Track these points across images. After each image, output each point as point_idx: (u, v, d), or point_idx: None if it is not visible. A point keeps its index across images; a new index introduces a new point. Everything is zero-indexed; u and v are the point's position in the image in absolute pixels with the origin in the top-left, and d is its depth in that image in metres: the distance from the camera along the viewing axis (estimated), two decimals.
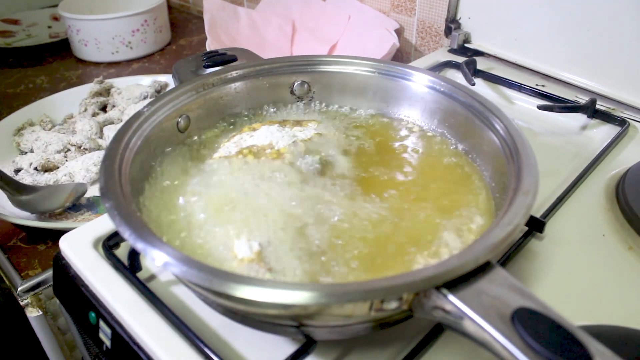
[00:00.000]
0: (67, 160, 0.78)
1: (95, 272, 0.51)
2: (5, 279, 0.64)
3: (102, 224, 0.56)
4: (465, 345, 0.44)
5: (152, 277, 0.52)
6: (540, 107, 0.74)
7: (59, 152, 0.79)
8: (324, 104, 0.62)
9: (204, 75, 0.57)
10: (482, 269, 0.35)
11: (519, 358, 0.30)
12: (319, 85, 0.61)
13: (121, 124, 0.80)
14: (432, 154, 0.55)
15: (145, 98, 0.93)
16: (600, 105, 0.76)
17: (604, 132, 0.73)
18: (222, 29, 1.06)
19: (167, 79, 1.01)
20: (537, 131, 0.74)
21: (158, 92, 0.97)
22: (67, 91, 0.96)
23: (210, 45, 1.00)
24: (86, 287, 0.51)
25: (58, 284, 0.56)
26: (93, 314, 0.50)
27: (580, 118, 0.75)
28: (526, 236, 0.54)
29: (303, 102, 0.61)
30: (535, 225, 0.54)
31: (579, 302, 0.48)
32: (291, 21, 1.12)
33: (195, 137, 0.56)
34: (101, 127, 0.85)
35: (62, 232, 0.56)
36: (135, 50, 1.20)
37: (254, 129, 0.55)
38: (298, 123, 0.56)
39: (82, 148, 0.78)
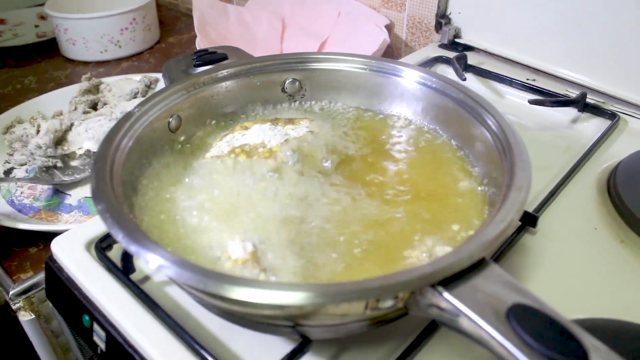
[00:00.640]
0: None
1: (88, 275, 0.50)
2: None
3: (94, 225, 0.55)
4: (459, 342, 0.44)
5: (146, 278, 0.51)
6: (531, 102, 0.74)
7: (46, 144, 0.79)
8: (315, 102, 0.61)
9: (195, 75, 0.57)
10: (477, 266, 0.35)
11: (515, 354, 0.30)
12: (311, 82, 0.61)
13: (102, 118, 0.80)
14: (424, 150, 0.55)
15: (136, 94, 0.92)
16: (591, 99, 0.76)
17: (594, 126, 0.73)
18: (211, 26, 1.05)
19: (157, 76, 1.01)
20: (528, 125, 0.75)
21: (148, 87, 0.96)
22: (56, 91, 0.95)
23: (200, 43, 1.00)
24: (79, 289, 0.51)
25: (50, 287, 0.55)
26: (87, 317, 0.50)
27: (570, 112, 0.76)
28: (519, 231, 0.54)
29: (295, 100, 0.61)
30: (528, 220, 0.54)
31: (572, 296, 0.48)
32: (281, 18, 1.11)
33: (187, 137, 0.56)
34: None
35: (53, 234, 0.55)
36: (124, 49, 1.19)
37: (246, 128, 0.54)
38: (290, 121, 0.56)
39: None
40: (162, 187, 0.49)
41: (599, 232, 0.55)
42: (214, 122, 0.58)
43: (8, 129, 0.85)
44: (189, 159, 0.53)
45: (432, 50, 0.93)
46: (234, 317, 0.40)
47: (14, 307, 0.61)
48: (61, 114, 0.90)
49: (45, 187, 0.75)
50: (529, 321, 0.32)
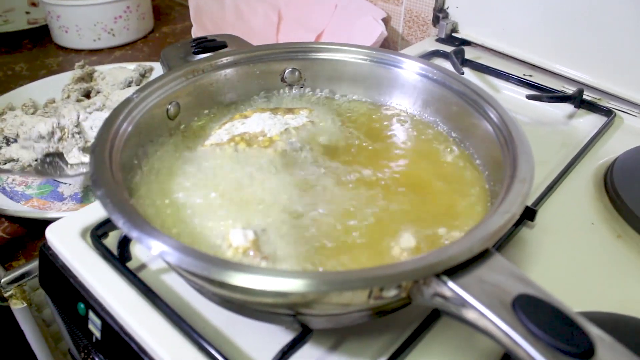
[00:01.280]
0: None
1: (83, 262, 0.50)
2: None
3: (90, 212, 0.55)
4: (459, 333, 0.44)
5: (143, 266, 0.51)
6: (529, 97, 0.74)
7: (49, 133, 0.78)
8: (315, 92, 0.61)
9: (194, 62, 0.56)
10: (482, 257, 0.35)
11: (521, 344, 0.30)
12: (311, 72, 0.60)
13: (106, 110, 0.79)
14: (424, 142, 0.54)
15: (130, 83, 0.91)
16: (587, 95, 0.77)
17: (590, 122, 0.73)
18: (207, 16, 1.05)
19: (152, 65, 0.99)
20: (524, 121, 0.75)
21: (143, 76, 0.95)
22: (48, 78, 0.93)
23: (195, 33, 0.99)
24: (74, 277, 0.50)
25: (44, 275, 0.55)
26: (82, 305, 0.49)
27: (567, 108, 0.76)
28: (517, 224, 0.54)
29: (294, 89, 0.61)
30: (527, 214, 0.54)
31: (569, 289, 0.48)
32: (277, 9, 1.11)
33: (186, 125, 0.55)
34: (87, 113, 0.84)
35: (46, 222, 0.54)
36: (118, 38, 1.18)
37: (246, 117, 0.54)
38: (290, 110, 0.55)
39: (73, 134, 0.77)
40: (161, 174, 0.48)
41: (596, 226, 0.56)
42: (213, 110, 0.57)
43: (0, 116, 0.83)
44: (188, 146, 0.52)
45: (429, 44, 0.93)
46: (234, 305, 0.40)
47: (5, 295, 0.61)
48: (54, 101, 0.88)
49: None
50: (534, 311, 0.32)
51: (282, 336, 0.43)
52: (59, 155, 0.71)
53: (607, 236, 0.55)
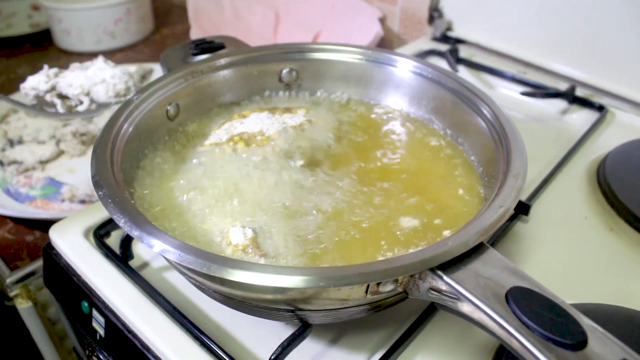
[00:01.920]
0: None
1: (86, 262, 0.51)
2: None
3: (93, 213, 0.56)
4: (456, 326, 0.45)
5: (145, 265, 0.52)
6: (523, 93, 0.75)
7: (51, 137, 0.78)
8: (312, 91, 0.62)
9: (193, 63, 0.57)
10: (476, 251, 0.36)
11: (515, 335, 0.31)
12: (307, 72, 0.61)
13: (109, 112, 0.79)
14: (419, 139, 0.55)
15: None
16: (580, 91, 0.78)
17: (583, 118, 0.74)
18: (206, 18, 1.05)
19: (152, 66, 1.00)
20: (518, 117, 0.76)
21: (143, 78, 0.96)
22: None
23: (194, 35, 1.00)
24: (78, 276, 0.51)
25: (49, 274, 0.56)
26: (86, 304, 0.50)
27: (560, 104, 0.77)
28: (512, 219, 0.55)
29: (292, 89, 0.62)
30: (521, 209, 0.55)
31: (563, 282, 0.49)
32: (275, 10, 1.11)
33: (186, 125, 0.56)
34: None
35: (49, 222, 0.55)
36: (119, 40, 1.19)
37: (244, 116, 0.55)
38: (288, 110, 0.56)
39: (77, 134, 0.78)
40: (162, 173, 0.49)
41: (588, 220, 0.57)
42: (212, 110, 0.58)
43: (3, 119, 0.84)
44: (187, 146, 0.53)
45: (425, 43, 0.94)
46: (234, 302, 0.41)
47: (10, 295, 0.61)
48: None
49: (41, 176, 0.75)
50: (528, 304, 0.32)
51: (282, 331, 0.44)
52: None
53: (600, 229, 0.56)
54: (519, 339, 0.31)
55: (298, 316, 0.40)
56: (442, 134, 0.56)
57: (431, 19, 0.95)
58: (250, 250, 0.41)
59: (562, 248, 0.53)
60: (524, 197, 0.57)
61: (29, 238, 0.66)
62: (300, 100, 0.61)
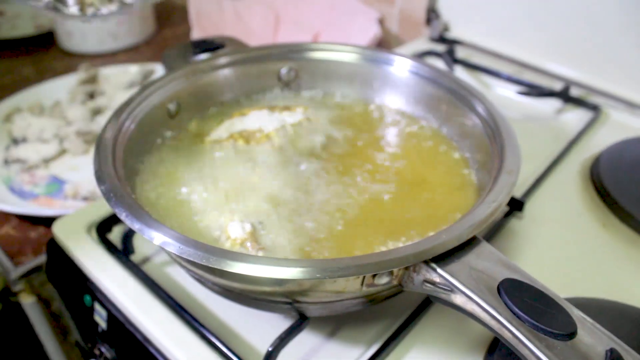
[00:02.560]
0: None
1: (89, 256, 0.52)
2: None
3: (95, 208, 0.56)
4: (451, 319, 0.46)
5: (146, 259, 0.53)
6: (519, 92, 0.76)
7: (55, 136, 0.79)
8: (311, 90, 0.63)
9: (194, 63, 0.58)
10: (469, 244, 0.37)
11: (506, 326, 0.32)
12: (306, 71, 0.62)
13: (110, 111, 0.80)
14: (415, 137, 0.56)
15: (132, 85, 0.93)
16: (574, 91, 0.78)
17: (577, 117, 0.75)
18: (207, 19, 1.06)
19: (154, 67, 1.01)
20: (514, 117, 0.76)
21: (145, 78, 0.97)
22: (54, 81, 0.95)
23: (195, 36, 1.01)
24: (80, 271, 0.52)
25: (52, 268, 0.57)
26: (88, 297, 0.51)
27: (555, 103, 0.78)
28: (507, 216, 0.56)
29: (291, 88, 0.63)
30: (516, 205, 0.56)
31: (557, 276, 0.50)
32: (274, 11, 1.12)
33: (186, 123, 0.57)
34: (93, 113, 0.86)
35: (53, 219, 0.56)
36: (122, 41, 1.19)
37: (244, 114, 0.56)
38: (287, 108, 0.57)
39: (80, 133, 0.79)
40: (163, 169, 0.50)
41: (582, 217, 0.58)
42: (212, 108, 0.59)
43: (8, 118, 0.85)
44: (188, 143, 0.54)
45: (422, 44, 0.95)
46: (233, 294, 0.42)
47: (15, 290, 0.62)
48: (60, 103, 0.90)
49: (45, 174, 0.76)
50: (519, 295, 0.33)
51: (280, 324, 0.45)
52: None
53: (593, 225, 0.57)
54: (510, 329, 0.32)
55: (295, 308, 0.41)
56: (438, 131, 0.57)
57: (428, 20, 0.96)
58: (248, 244, 0.42)
59: (556, 244, 0.54)
60: (518, 194, 0.58)
61: (33, 234, 0.66)
62: (299, 98, 0.62)
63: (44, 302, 0.65)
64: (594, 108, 0.75)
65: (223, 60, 0.59)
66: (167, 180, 0.49)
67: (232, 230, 0.43)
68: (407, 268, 0.37)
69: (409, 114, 0.60)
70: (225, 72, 0.59)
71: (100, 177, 0.42)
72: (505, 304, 0.33)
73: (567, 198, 0.60)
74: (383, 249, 0.43)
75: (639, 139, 0.68)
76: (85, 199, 0.70)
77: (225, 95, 0.60)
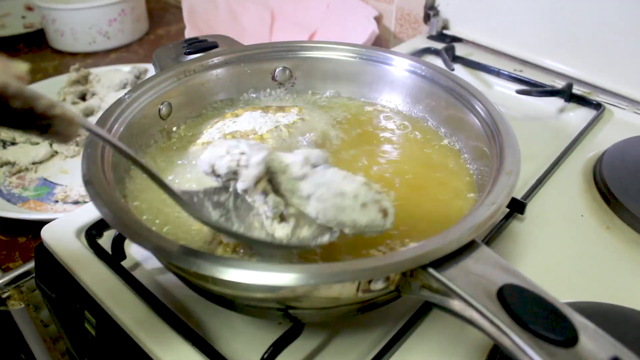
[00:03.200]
0: None
1: (79, 262, 0.50)
2: None
3: (85, 213, 0.55)
4: (450, 326, 0.45)
5: (137, 265, 0.51)
6: (519, 92, 0.75)
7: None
8: (306, 90, 0.62)
9: (185, 62, 0.57)
10: (468, 248, 0.35)
11: (506, 333, 0.31)
12: (301, 71, 0.61)
13: (102, 112, 0.79)
14: (413, 137, 0.55)
15: (125, 85, 0.92)
16: (577, 89, 0.77)
17: (580, 116, 0.74)
18: (200, 17, 1.05)
19: (146, 66, 1.00)
20: (516, 116, 0.75)
21: (138, 77, 0.96)
22: (44, 81, 0.94)
23: (189, 35, 0.99)
24: (70, 277, 0.51)
25: (41, 275, 0.55)
26: (77, 304, 0.50)
27: (557, 102, 0.76)
28: (507, 217, 0.55)
29: (285, 88, 0.61)
30: (517, 207, 0.55)
31: (560, 280, 0.49)
32: (270, 9, 1.11)
33: (178, 124, 0.56)
34: (84, 114, 0.84)
35: (42, 223, 0.55)
36: (113, 40, 1.18)
37: (237, 115, 0.54)
38: (281, 109, 0.56)
39: None
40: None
41: (585, 218, 0.56)
42: (204, 109, 0.58)
43: None
44: (179, 146, 0.53)
45: (421, 42, 0.94)
46: (226, 301, 0.41)
47: (3, 297, 0.61)
48: None
49: (35, 177, 0.74)
50: (519, 301, 0.32)
51: (274, 331, 0.44)
52: None
53: (596, 228, 0.55)
54: (510, 335, 0.30)
55: (290, 315, 0.40)
56: (436, 131, 0.55)
57: (427, 18, 0.95)
58: (241, 251, 0.41)
59: (559, 246, 0.53)
60: (519, 196, 0.57)
61: (22, 239, 0.65)
62: (294, 98, 0.61)
63: (33, 309, 0.64)
64: (597, 106, 0.74)
65: (216, 60, 0.58)
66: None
67: (224, 236, 0.42)
68: (404, 273, 0.35)
69: (406, 113, 0.58)
70: (218, 72, 0.58)
71: (88, 181, 0.40)
72: (505, 310, 0.32)
73: (570, 199, 0.59)
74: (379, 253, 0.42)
75: None
76: (76, 202, 0.69)
77: (218, 95, 0.59)
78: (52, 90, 0.92)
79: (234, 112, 0.56)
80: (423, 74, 0.56)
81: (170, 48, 0.60)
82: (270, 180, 0.38)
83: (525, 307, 0.32)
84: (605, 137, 0.68)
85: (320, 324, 0.45)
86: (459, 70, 0.85)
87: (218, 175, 0.38)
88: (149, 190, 0.47)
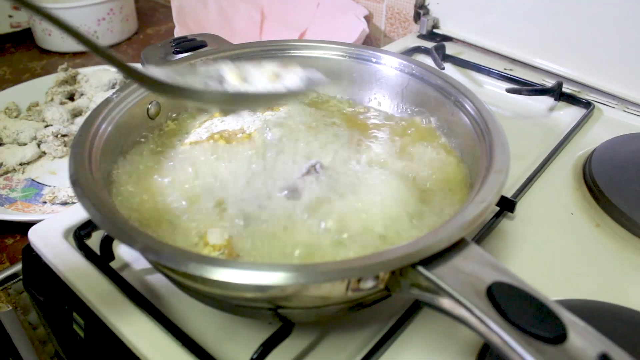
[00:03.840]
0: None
1: (67, 263, 0.50)
2: None
3: (72, 214, 0.55)
4: (440, 324, 0.45)
5: (125, 266, 0.51)
6: (509, 90, 0.75)
7: (32, 139, 0.77)
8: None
9: (174, 62, 0.56)
10: (457, 246, 0.35)
11: (495, 330, 0.31)
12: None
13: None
14: (403, 136, 0.55)
15: (113, 85, 0.92)
16: (567, 88, 0.78)
17: (570, 114, 0.74)
18: (190, 17, 1.05)
19: (136, 66, 0.99)
20: (506, 114, 0.76)
21: (126, 77, 0.95)
22: (31, 81, 0.93)
23: (178, 34, 0.99)
24: (58, 278, 0.50)
25: (28, 276, 0.55)
26: (66, 305, 0.50)
27: (547, 101, 0.77)
28: (498, 216, 0.55)
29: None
30: (507, 205, 0.55)
31: (550, 278, 0.49)
32: (260, 8, 1.11)
33: (166, 124, 0.55)
34: (72, 114, 0.84)
35: (30, 225, 0.54)
36: (102, 40, 1.17)
37: (225, 115, 0.54)
38: (269, 107, 0.55)
39: (59, 135, 0.77)
40: (141, 173, 0.49)
41: (575, 216, 0.56)
42: (192, 108, 0.57)
43: None
44: (168, 145, 0.53)
45: (411, 41, 0.94)
46: (215, 301, 0.40)
47: None
48: (37, 104, 0.88)
49: (22, 178, 0.74)
50: (508, 298, 0.32)
51: (264, 330, 0.44)
52: None
53: (586, 225, 0.55)
54: (499, 333, 0.30)
55: (279, 315, 0.40)
56: (426, 129, 0.55)
57: (417, 16, 0.95)
58: (226, 251, 0.41)
59: (549, 244, 0.53)
60: (509, 194, 0.57)
61: (9, 241, 0.65)
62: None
63: (21, 311, 0.63)
64: (587, 105, 0.74)
65: (204, 59, 0.57)
66: (146, 183, 0.47)
67: (210, 237, 0.42)
68: (393, 272, 0.35)
69: (395, 112, 0.58)
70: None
71: (75, 182, 0.40)
72: (494, 307, 0.32)
73: (559, 197, 0.59)
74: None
75: (632, 135, 0.68)
76: (65, 204, 0.68)
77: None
78: (40, 90, 0.91)
79: None
80: (413, 72, 0.56)
81: (158, 47, 0.60)
82: None
83: (514, 304, 0.32)
84: (595, 136, 0.69)
85: (310, 324, 0.45)
86: (449, 69, 0.85)
87: None
88: (137, 190, 0.47)
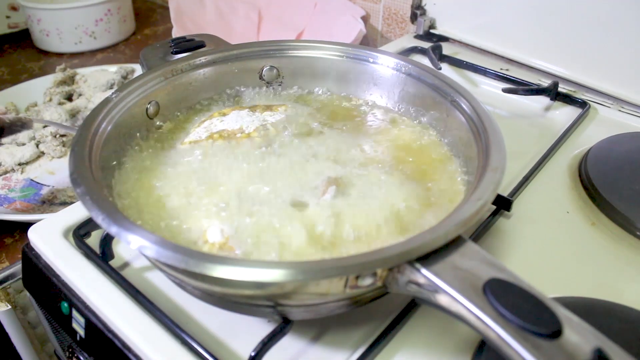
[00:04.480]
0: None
1: (66, 262, 0.50)
2: None
3: (71, 213, 0.55)
4: (438, 321, 0.45)
5: (125, 264, 0.51)
6: (505, 90, 0.75)
7: (31, 139, 0.77)
8: (293, 88, 0.62)
9: (173, 61, 0.57)
10: (454, 244, 0.36)
11: (492, 326, 0.31)
12: (288, 70, 0.61)
13: (89, 112, 0.79)
14: (399, 135, 0.55)
15: (112, 85, 0.92)
16: (562, 88, 0.78)
17: (566, 114, 0.75)
18: (188, 17, 1.05)
19: (133, 67, 1.00)
20: (502, 114, 0.76)
21: (125, 78, 0.95)
22: (29, 82, 0.93)
23: (176, 34, 0.99)
24: (58, 277, 0.50)
25: (28, 275, 0.55)
26: (65, 304, 0.50)
27: (543, 101, 0.77)
28: (494, 215, 0.55)
29: (272, 87, 0.61)
30: (503, 204, 0.55)
31: (545, 276, 0.50)
32: (257, 9, 1.11)
33: (165, 123, 0.56)
34: (70, 115, 0.84)
35: (29, 224, 0.55)
36: (99, 40, 1.18)
37: (224, 114, 0.55)
38: (268, 108, 0.56)
39: (57, 136, 0.77)
40: (141, 172, 0.49)
41: (571, 215, 0.57)
42: (192, 108, 0.58)
43: None
44: (167, 145, 0.53)
45: (408, 41, 0.94)
46: (214, 298, 0.41)
47: None
48: (35, 105, 0.88)
49: (21, 178, 0.74)
50: (505, 295, 0.33)
51: (263, 328, 0.44)
52: None
53: (582, 224, 0.56)
54: (495, 329, 0.31)
55: (278, 312, 0.40)
56: (422, 128, 0.56)
57: (414, 17, 0.95)
58: (226, 249, 0.41)
59: (545, 243, 0.53)
60: (506, 193, 0.57)
61: (8, 240, 0.65)
62: (281, 97, 0.61)
63: (20, 311, 0.63)
64: (583, 105, 0.75)
65: (203, 59, 0.58)
66: (145, 182, 0.48)
67: (210, 235, 0.42)
68: (391, 269, 0.36)
69: (393, 111, 0.59)
70: (205, 71, 0.58)
71: (75, 180, 0.40)
72: (491, 304, 0.32)
73: (556, 196, 0.59)
74: None
75: (627, 135, 0.68)
76: (63, 203, 0.69)
77: (205, 94, 0.59)
78: (38, 91, 0.91)
79: (221, 111, 0.56)
80: (410, 72, 0.57)
81: (157, 47, 0.60)
82: None
83: (510, 300, 0.32)
84: (591, 135, 0.69)
85: (308, 321, 0.45)
86: (446, 69, 0.85)
87: None
88: (136, 189, 0.47)
